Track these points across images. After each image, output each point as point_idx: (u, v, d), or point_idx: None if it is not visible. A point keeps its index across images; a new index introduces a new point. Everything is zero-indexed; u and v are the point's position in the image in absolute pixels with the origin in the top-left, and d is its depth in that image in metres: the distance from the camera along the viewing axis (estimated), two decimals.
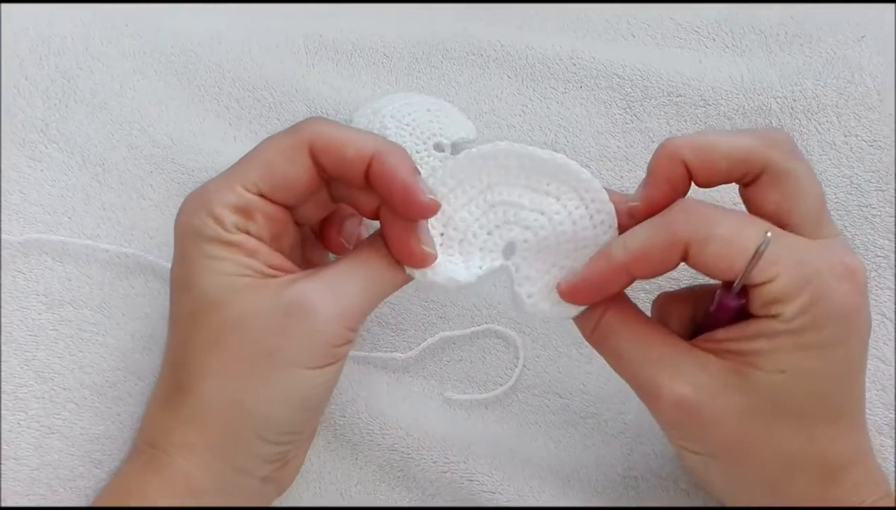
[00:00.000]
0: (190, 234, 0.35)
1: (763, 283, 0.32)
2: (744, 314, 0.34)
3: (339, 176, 0.34)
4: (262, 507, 0.40)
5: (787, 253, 0.32)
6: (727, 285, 0.33)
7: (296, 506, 0.43)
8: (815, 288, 0.32)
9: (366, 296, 0.35)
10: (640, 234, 0.33)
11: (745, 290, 0.33)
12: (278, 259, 0.35)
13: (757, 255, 0.31)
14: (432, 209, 0.33)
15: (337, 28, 0.51)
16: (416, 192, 0.33)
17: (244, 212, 0.34)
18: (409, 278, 0.36)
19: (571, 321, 0.37)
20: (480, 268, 0.36)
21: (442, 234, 0.36)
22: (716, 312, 0.35)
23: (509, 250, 0.36)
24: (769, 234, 0.31)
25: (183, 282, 0.35)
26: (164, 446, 0.35)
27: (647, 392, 0.34)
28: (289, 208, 0.36)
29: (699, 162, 0.33)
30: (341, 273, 0.35)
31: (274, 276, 0.35)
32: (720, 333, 0.34)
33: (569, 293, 0.35)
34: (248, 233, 0.34)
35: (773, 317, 0.32)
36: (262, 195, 0.34)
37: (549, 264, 0.36)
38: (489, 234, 0.36)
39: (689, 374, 0.33)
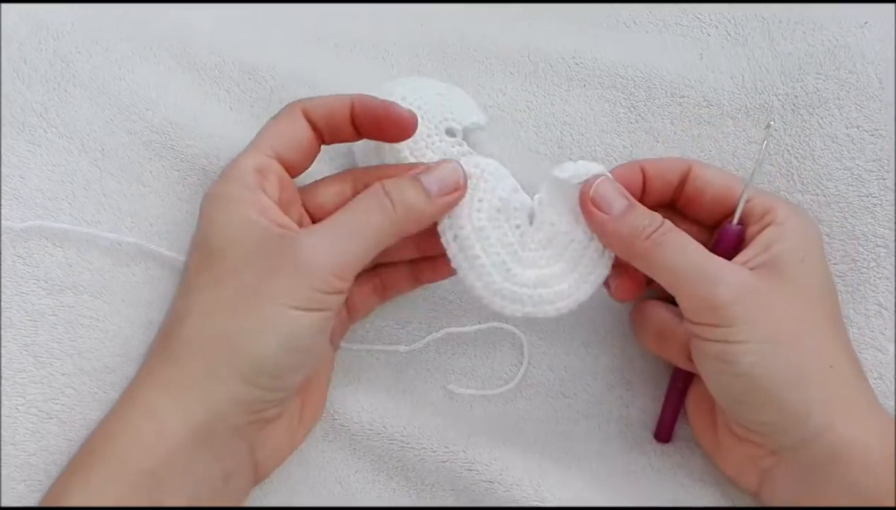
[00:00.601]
0: (212, 198, 0.39)
1: (756, 197, 0.40)
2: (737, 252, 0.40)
3: (331, 128, 0.40)
4: (258, 507, 0.40)
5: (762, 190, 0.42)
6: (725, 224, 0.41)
7: (295, 506, 0.43)
8: (788, 208, 0.40)
9: (359, 245, 0.37)
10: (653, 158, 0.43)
11: (740, 222, 0.41)
12: (286, 220, 0.38)
13: (764, 144, 0.41)
14: (414, 120, 0.40)
15: (336, 27, 0.50)
16: (395, 109, 0.40)
17: (261, 172, 0.39)
18: (405, 230, 0.38)
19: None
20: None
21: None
22: (717, 248, 0.40)
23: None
24: (773, 123, 0.44)
25: (197, 242, 0.39)
26: (143, 385, 0.37)
27: (706, 280, 0.37)
28: (297, 172, 0.41)
29: (657, 177, 0.42)
30: (337, 222, 0.38)
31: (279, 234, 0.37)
32: (738, 260, 0.39)
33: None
34: (263, 191, 0.38)
35: (770, 224, 0.39)
36: (277, 158, 0.39)
37: None
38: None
39: (743, 271, 0.38)
